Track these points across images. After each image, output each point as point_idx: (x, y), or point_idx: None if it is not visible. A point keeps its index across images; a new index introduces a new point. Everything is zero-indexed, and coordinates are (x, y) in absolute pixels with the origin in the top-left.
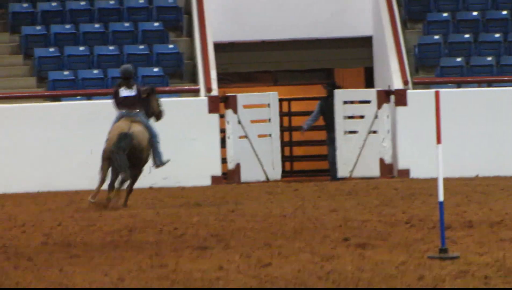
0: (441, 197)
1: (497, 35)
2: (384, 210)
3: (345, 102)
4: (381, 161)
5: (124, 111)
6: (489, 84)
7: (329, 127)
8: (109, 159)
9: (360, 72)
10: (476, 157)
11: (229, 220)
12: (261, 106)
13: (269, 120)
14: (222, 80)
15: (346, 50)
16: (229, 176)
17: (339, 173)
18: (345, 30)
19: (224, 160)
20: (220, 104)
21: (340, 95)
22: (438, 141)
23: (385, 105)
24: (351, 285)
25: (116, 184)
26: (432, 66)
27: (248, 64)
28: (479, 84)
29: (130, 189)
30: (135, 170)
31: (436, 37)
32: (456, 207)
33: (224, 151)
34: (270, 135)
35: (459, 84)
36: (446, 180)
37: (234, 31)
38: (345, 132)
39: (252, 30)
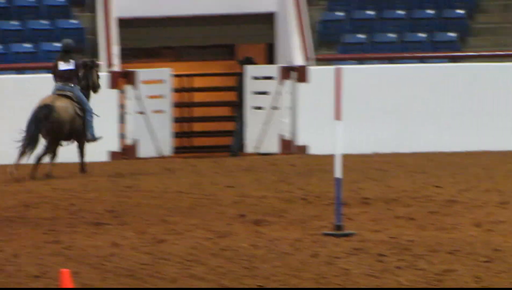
0: (338, 174)
1: (400, 12)
2: (281, 187)
3: (256, 78)
4: (281, 137)
5: (60, 84)
6: (391, 61)
7: (241, 103)
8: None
9: (262, 48)
10: (375, 134)
11: (126, 196)
12: (157, 82)
13: (164, 96)
14: (125, 55)
15: (249, 26)
16: (127, 152)
17: (246, 149)
18: (248, 6)
19: (123, 136)
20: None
21: (249, 70)
22: (338, 117)
23: (286, 82)
24: (245, 262)
25: (35, 158)
26: (334, 42)
27: (152, 40)
28: (381, 61)
29: (81, 160)
30: (78, 142)
31: (339, 13)
32: (353, 184)
33: (123, 127)
34: (162, 111)
35: (361, 61)
36: (344, 157)
37: (137, 6)
38: (252, 108)
39: (156, 6)
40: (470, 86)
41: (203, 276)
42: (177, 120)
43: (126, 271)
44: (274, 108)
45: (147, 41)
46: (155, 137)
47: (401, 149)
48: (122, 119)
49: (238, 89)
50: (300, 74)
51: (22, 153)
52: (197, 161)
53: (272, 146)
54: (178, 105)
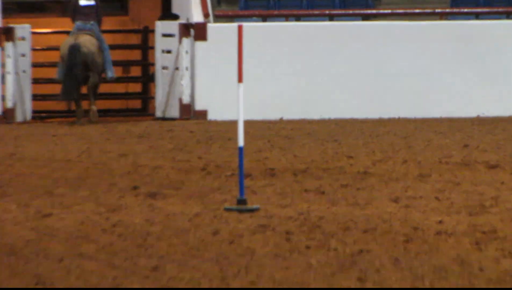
0: (241, 142)
1: None
2: (178, 155)
3: (164, 35)
4: (180, 101)
5: (79, 23)
6: (298, 18)
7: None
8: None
9: (157, 3)
10: (281, 98)
11: (7, 165)
12: (20, 39)
13: (24, 55)
14: (7, 10)
15: None
16: (8, 115)
17: (157, 114)
18: None
19: (3, 98)
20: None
21: (159, 27)
22: (240, 80)
23: (185, 40)
24: (139, 239)
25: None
26: None
27: None
28: (287, 18)
29: (93, 98)
30: (93, 78)
31: None
32: (257, 153)
33: (4, 88)
34: (24, 71)
35: (264, 18)
36: (248, 123)
37: None
38: (163, 68)
39: None
40: (384, 47)
41: (93, 255)
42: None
43: (8, 248)
44: (176, 69)
45: None
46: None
47: (310, 115)
48: (3, 79)
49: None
50: (198, 32)
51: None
52: (86, 127)
53: (175, 110)
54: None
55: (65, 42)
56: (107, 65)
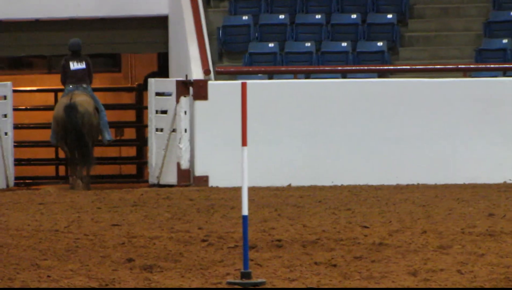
0: (245, 211)
1: (317, 16)
2: (177, 225)
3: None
4: (178, 165)
5: (71, 86)
6: (308, 75)
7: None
8: (64, 138)
9: (153, 59)
10: (289, 163)
11: None
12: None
13: (5, 115)
14: None
15: (136, 32)
16: None
17: (151, 180)
18: (136, 7)
19: None
20: None
21: (153, 85)
22: (244, 143)
23: (183, 99)
24: None
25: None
26: (239, 52)
27: (19, 47)
28: (295, 75)
29: (89, 169)
30: (90, 145)
31: (245, 17)
32: (263, 223)
33: None
34: (6, 133)
35: (271, 75)
36: (252, 190)
37: (1, 7)
38: (157, 130)
39: (24, 6)
40: (401, 106)
41: None
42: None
43: None
44: (173, 130)
45: (13, 48)
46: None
47: (320, 182)
48: None
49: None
50: (198, 89)
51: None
52: (75, 194)
53: (172, 176)
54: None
55: (59, 103)
56: (103, 127)
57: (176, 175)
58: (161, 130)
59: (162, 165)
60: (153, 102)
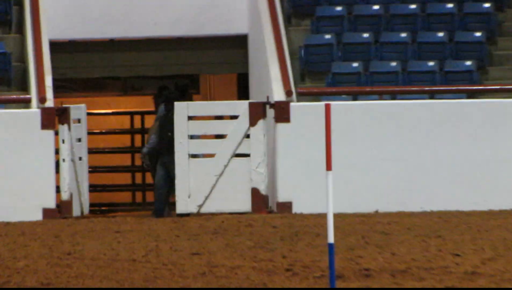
0: (331, 238)
1: (403, 35)
2: (260, 254)
3: (190, 118)
4: (255, 191)
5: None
6: (393, 96)
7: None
8: None
9: (233, 79)
10: (375, 188)
11: (65, 265)
12: (74, 121)
13: (79, 139)
14: (61, 87)
15: (215, 51)
16: (63, 208)
17: (180, 208)
18: (214, 26)
19: (58, 189)
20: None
21: (182, 108)
22: (328, 167)
23: (260, 122)
24: None
25: None
26: (322, 72)
27: (93, 68)
28: (381, 95)
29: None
30: None
31: (328, 36)
32: (349, 251)
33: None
34: (80, 158)
35: (355, 96)
36: (338, 216)
37: (75, 26)
38: (191, 156)
39: (98, 26)
40: (491, 128)
41: None
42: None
43: None
44: (237, 155)
45: (87, 69)
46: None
47: (409, 207)
48: (57, 168)
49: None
50: (280, 111)
51: None
52: (152, 221)
53: (235, 203)
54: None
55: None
56: None
57: (247, 201)
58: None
59: (209, 192)
60: (183, 125)
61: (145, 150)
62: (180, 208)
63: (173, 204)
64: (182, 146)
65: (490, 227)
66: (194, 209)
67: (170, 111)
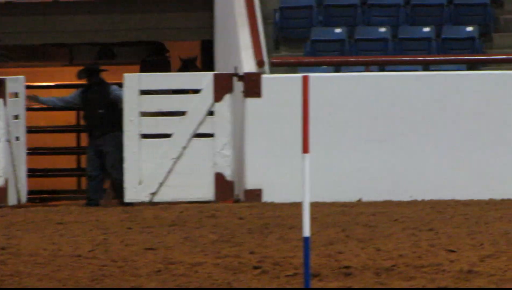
0: (306, 231)
1: None
2: (224, 249)
3: (143, 92)
4: (219, 177)
5: None
6: (382, 67)
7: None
8: None
9: (196, 47)
10: (359, 174)
11: None
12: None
13: (16, 116)
14: None
15: (175, 15)
16: None
17: (129, 196)
18: None
19: None
20: None
21: (133, 81)
22: (305, 149)
23: (227, 96)
24: None
25: None
26: (299, 39)
27: (34, 34)
28: (367, 66)
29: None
30: None
31: None
32: (328, 246)
33: None
34: (17, 138)
35: (338, 67)
36: (315, 206)
37: None
38: (141, 136)
39: None
40: (496, 104)
41: None
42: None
43: None
44: (198, 135)
45: (27, 35)
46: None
47: (397, 196)
48: None
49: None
50: (250, 84)
51: None
52: (101, 212)
53: (196, 190)
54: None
55: None
56: None
57: (210, 188)
58: (162, 135)
59: (164, 178)
60: (134, 101)
61: (41, 98)
62: (129, 196)
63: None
64: (132, 125)
65: (490, 219)
66: (146, 198)
67: (91, 87)
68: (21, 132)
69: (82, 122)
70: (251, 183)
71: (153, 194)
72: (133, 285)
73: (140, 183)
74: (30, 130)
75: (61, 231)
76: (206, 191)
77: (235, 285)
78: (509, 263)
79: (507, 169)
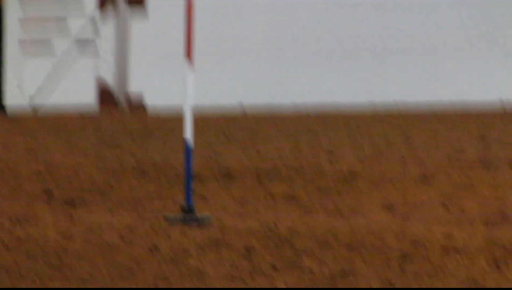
0: (188, 133)
1: None
2: (104, 152)
3: None
4: (99, 82)
5: None
6: None
7: None
8: None
9: None
10: (240, 78)
11: None
12: None
13: None
14: None
15: None
16: None
17: (9, 100)
18: None
19: None
20: None
21: None
22: (189, 56)
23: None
24: (54, 258)
25: None
26: None
27: None
28: None
29: None
30: None
31: None
32: (209, 149)
33: None
34: None
35: None
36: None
37: None
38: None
39: None
40: (380, 12)
41: None
42: None
43: None
44: (82, 41)
45: None
46: None
47: (278, 100)
48: None
49: None
50: None
51: None
52: None
53: (77, 94)
54: None
55: None
56: None
57: (91, 93)
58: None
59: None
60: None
61: None
62: (9, 100)
63: None
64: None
65: (371, 123)
66: (24, 102)
67: None
68: None
69: None
70: (133, 87)
71: (32, 97)
72: (14, 186)
73: (19, 87)
74: None
75: None
76: (86, 96)
77: (115, 187)
78: (389, 165)
79: (387, 73)
